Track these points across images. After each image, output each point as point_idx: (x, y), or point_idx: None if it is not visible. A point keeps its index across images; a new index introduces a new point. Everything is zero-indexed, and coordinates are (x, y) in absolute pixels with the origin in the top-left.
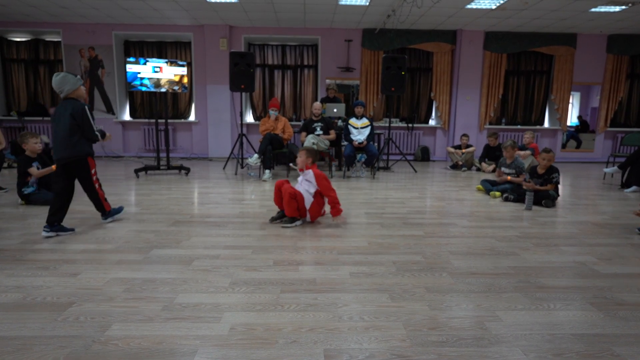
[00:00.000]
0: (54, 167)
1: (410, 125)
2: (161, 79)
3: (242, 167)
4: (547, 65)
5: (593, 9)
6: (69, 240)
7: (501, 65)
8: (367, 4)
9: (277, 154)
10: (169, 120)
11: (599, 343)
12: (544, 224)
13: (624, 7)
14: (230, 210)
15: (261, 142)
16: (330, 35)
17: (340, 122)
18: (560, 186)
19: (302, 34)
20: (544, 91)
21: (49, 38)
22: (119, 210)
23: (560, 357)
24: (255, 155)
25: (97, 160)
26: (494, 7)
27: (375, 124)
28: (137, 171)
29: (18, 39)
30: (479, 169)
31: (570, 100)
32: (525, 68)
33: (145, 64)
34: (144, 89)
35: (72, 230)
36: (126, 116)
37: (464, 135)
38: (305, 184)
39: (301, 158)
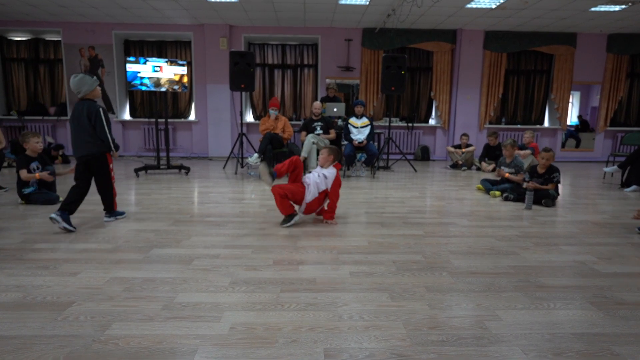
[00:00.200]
0: (37, 175)
1: (410, 124)
2: (161, 78)
3: (242, 167)
4: (547, 64)
5: (593, 8)
6: (69, 239)
7: (501, 65)
8: (367, 3)
9: (277, 153)
10: (169, 120)
11: (599, 342)
12: (544, 223)
13: (624, 6)
14: (230, 210)
15: (261, 142)
16: (330, 34)
17: (340, 122)
18: (560, 185)
19: (302, 34)
20: (543, 90)
21: (49, 37)
22: (122, 214)
23: (560, 356)
24: (255, 155)
25: None
26: (494, 6)
27: (375, 123)
28: (137, 170)
29: (18, 38)
30: (478, 169)
31: (570, 100)
32: (525, 67)
33: (145, 63)
34: (144, 88)
35: (74, 229)
36: (126, 115)
37: (464, 134)
38: (320, 179)
39: (323, 155)
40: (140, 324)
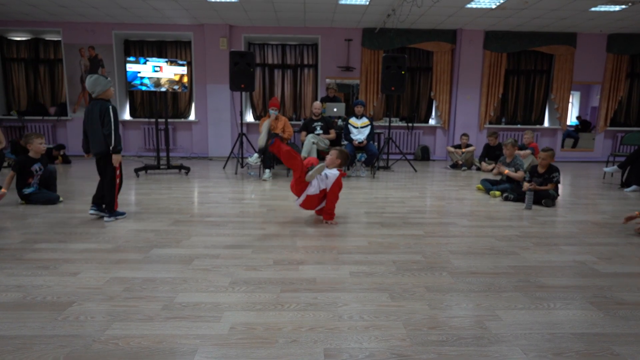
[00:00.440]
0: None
1: (410, 124)
2: (161, 78)
3: (242, 167)
4: (547, 64)
5: (593, 9)
6: (69, 239)
7: (501, 65)
8: (367, 3)
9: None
10: (169, 120)
11: (599, 342)
12: (544, 223)
13: (623, 6)
14: (230, 210)
15: None
16: (330, 34)
17: (340, 122)
18: (560, 185)
19: (302, 34)
20: (543, 90)
21: (49, 37)
22: (122, 214)
23: (560, 356)
24: (255, 155)
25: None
26: (493, 6)
27: (375, 123)
28: (137, 170)
29: (18, 38)
30: (478, 169)
31: (570, 100)
32: (525, 67)
33: (145, 63)
34: (144, 88)
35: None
36: (126, 115)
37: (464, 134)
38: (321, 176)
39: (332, 157)
40: (140, 324)
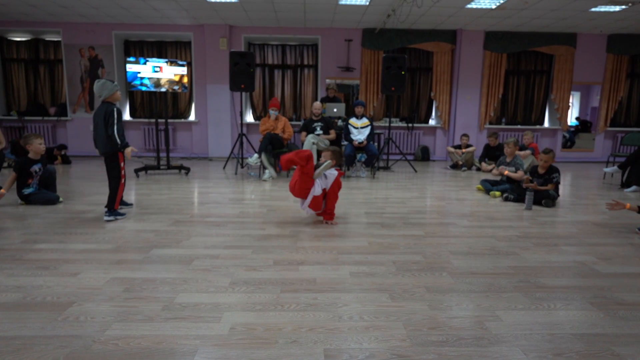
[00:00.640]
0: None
1: (410, 125)
2: (161, 78)
3: (242, 167)
4: (547, 65)
5: (593, 9)
6: (69, 239)
7: (501, 65)
8: (367, 3)
9: (277, 153)
10: (169, 120)
11: (599, 343)
12: (544, 223)
13: (624, 6)
14: (230, 210)
15: (261, 142)
16: (330, 35)
17: (340, 122)
18: (560, 186)
19: (302, 34)
20: (544, 91)
21: (49, 38)
22: (123, 214)
23: (560, 356)
24: (255, 155)
25: (99, 160)
26: (494, 6)
27: (375, 123)
28: (137, 171)
29: (18, 39)
30: (479, 169)
31: (571, 100)
32: (525, 68)
33: (145, 63)
34: (144, 88)
35: (128, 207)
36: (126, 116)
37: (464, 135)
38: (320, 178)
39: (326, 158)
40: (140, 325)
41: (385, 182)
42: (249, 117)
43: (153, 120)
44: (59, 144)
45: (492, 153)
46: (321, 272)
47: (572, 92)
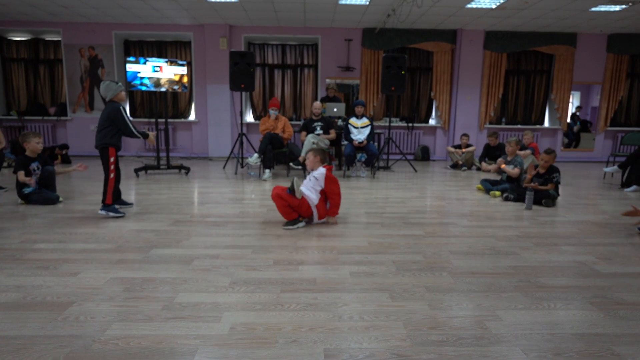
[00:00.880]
0: (32, 181)
1: (410, 124)
2: (161, 78)
3: (242, 167)
4: (547, 64)
5: (593, 9)
6: (69, 239)
7: (501, 65)
8: (367, 3)
9: (277, 153)
10: (169, 120)
11: (599, 342)
12: (544, 223)
13: (624, 6)
14: (230, 210)
15: (261, 142)
16: (331, 34)
17: (340, 122)
18: (560, 186)
19: (302, 34)
20: (544, 91)
21: (49, 37)
22: (119, 213)
23: (560, 356)
24: (256, 155)
25: (99, 160)
26: (494, 6)
27: (375, 123)
28: (137, 171)
29: (18, 39)
30: (479, 169)
31: (571, 100)
32: (526, 67)
33: (145, 63)
34: (144, 88)
35: (128, 207)
36: None
37: (464, 134)
38: (312, 182)
39: (309, 159)
40: (140, 324)
41: (385, 182)
42: (249, 117)
43: (153, 120)
44: (62, 143)
45: (492, 153)
46: (321, 272)
47: (572, 92)
